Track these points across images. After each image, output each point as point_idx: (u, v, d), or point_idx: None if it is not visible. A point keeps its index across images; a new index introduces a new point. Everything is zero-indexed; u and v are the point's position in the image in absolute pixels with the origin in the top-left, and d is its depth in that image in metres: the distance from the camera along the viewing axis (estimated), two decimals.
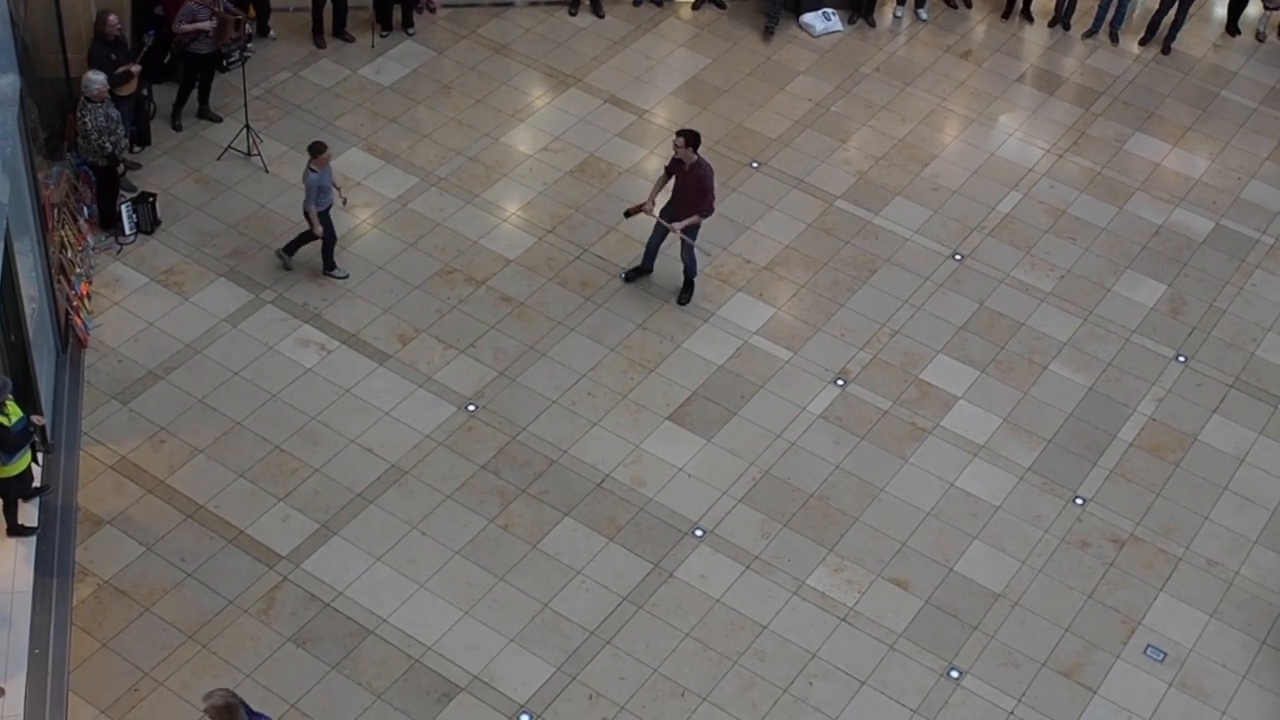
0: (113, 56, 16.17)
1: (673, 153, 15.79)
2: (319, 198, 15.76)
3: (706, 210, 16.00)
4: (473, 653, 13.24)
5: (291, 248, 16.27)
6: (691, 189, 15.83)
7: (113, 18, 16.20)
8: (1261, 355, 16.69)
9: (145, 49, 17.24)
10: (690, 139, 15.64)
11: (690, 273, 16.41)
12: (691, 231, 16.07)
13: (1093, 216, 18.18)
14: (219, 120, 18.01)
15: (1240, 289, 17.44)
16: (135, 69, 16.51)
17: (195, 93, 17.98)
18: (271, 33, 19.37)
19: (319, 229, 15.90)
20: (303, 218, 16.00)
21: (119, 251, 16.38)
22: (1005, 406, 15.82)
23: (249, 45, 18.66)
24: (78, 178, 16.41)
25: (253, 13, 18.92)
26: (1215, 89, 20.35)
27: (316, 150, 15.55)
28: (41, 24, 15.93)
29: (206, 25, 17.21)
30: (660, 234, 16.26)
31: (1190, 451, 15.61)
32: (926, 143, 18.99)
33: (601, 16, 20.46)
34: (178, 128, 17.87)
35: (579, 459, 14.87)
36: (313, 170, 15.57)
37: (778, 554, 14.28)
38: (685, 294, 16.50)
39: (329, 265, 16.34)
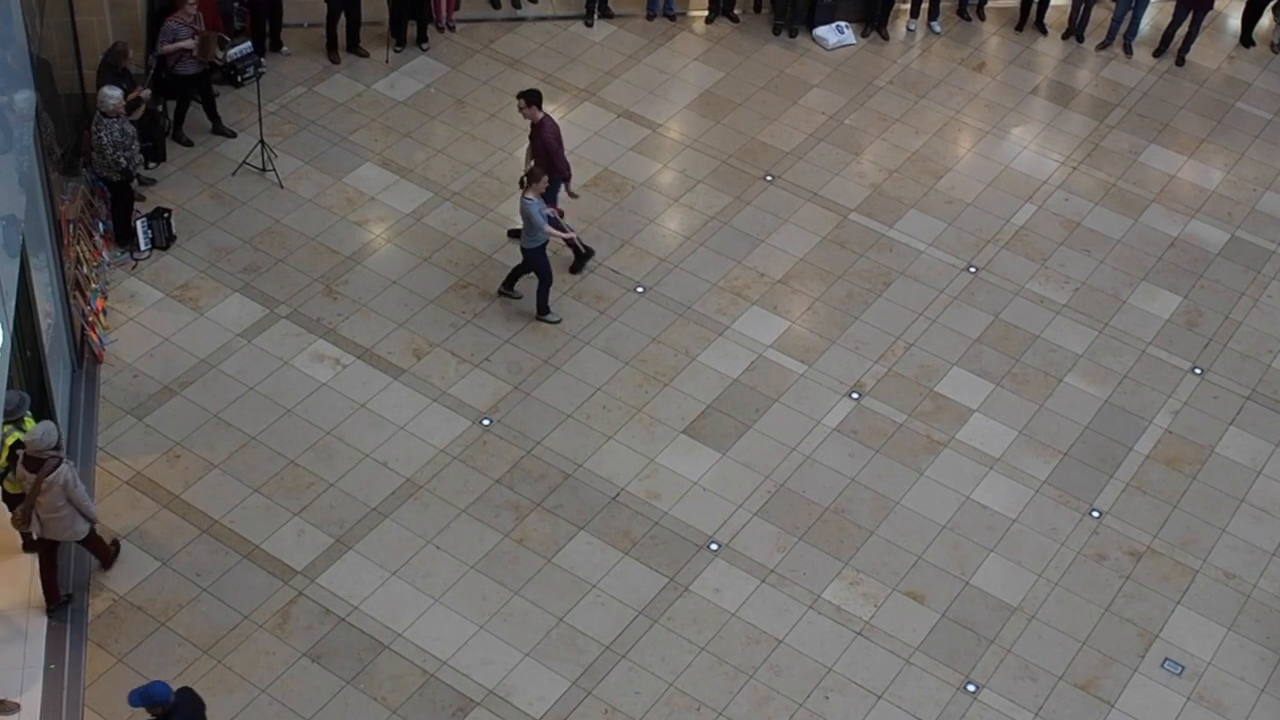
0: (123, 86, 16.17)
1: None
2: (537, 232, 15.66)
3: (559, 173, 16.27)
4: (488, 667, 13.23)
5: (537, 298, 16.30)
6: (539, 150, 16.11)
7: (130, 52, 16.22)
8: (1278, 367, 16.63)
9: (152, 71, 17.27)
10: (531, 98, 16.00)
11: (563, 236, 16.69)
12: (549, 194, 16.31)
13: (1107, 228, 18.15)
14: (233, 135, 18.05)
15: (1256, 301, 17.40)
16: (145, 94, 16.52)
17: (204, 113, 18.01)
18: (285, 48, 19.41)
19: (570, 233, 16.04)
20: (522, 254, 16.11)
21: (134, 267, 16.42)
22: (1021, 419, 15.78)
23: (262, 60, 18.72)
24: (93, 193, 16.46)
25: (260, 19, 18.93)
26: (1230, 100, 20.32)
27: (534, 177, 15.47)
28: (58, 40, 15.99)
29: (188, 43, 17.22)
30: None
31: (1207, 464, 15.56)
32: (940, 155, 18.98)
33: (610, 17, 20.50)
34: (188, 143, 17.89)
35: (593, 473, 14.86)
36: (528, 199, 15.48)
37: (793, 567, 14.25)
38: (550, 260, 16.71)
39: (543, 310, 16.26)
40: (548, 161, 16.07)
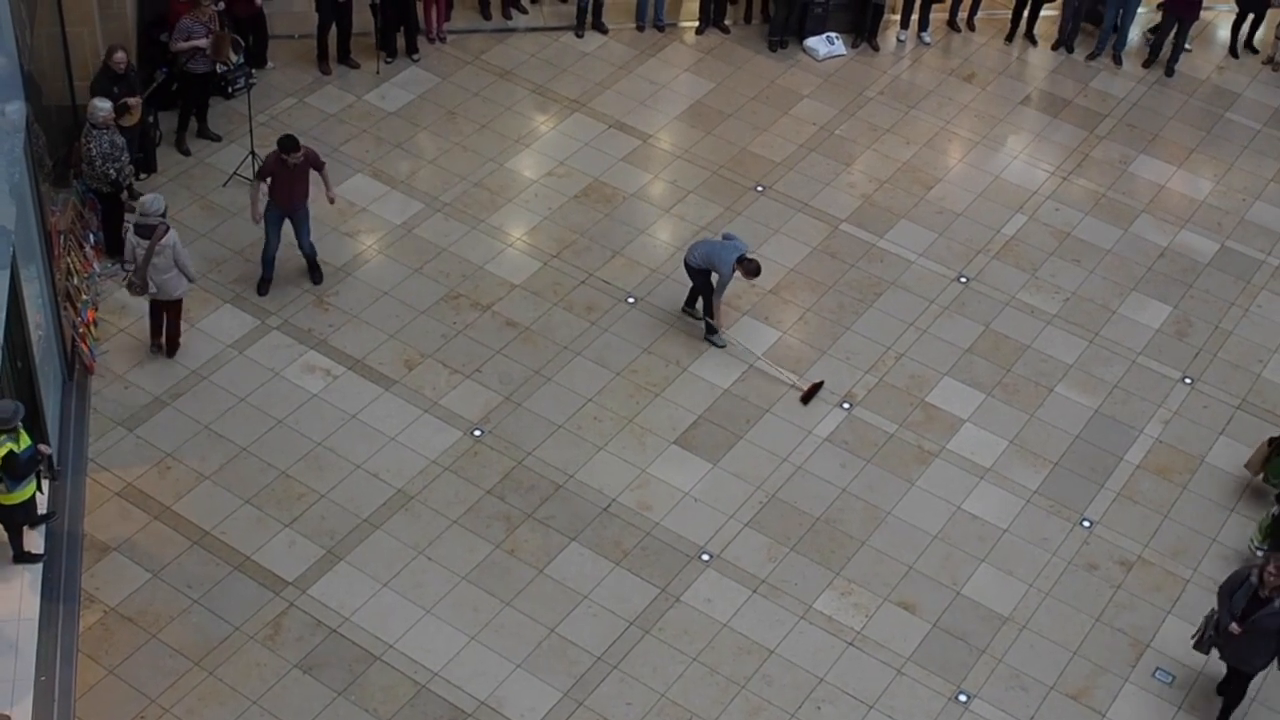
0: (115, 90, 16.17)
1: (290, 159, 15.65)
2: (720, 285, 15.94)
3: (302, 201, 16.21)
4: (479, 678, 13.22)
5: (710, 327, 16.39)
6: (304, 177, 15.85)
7: (120, 54, 16.23)
8: (1268, 377, 16.67)
9: (156, 84, 17.26)
10: (295, 144, 15.64)
11: (313, 254, 16.53)
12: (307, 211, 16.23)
13: (1097, 238, 18.19)
14: (218, 139, 18.07)
15: (1246, 310, 17.43)
16: (135, 101, 16.52)
17: (195, 114, 18.05)
18: (270, 63, 19.39)
19: (719, 320, 16.17)
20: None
21: (125, 278, 16.39)
22: (1011, 429, 15.80)
23: (253, 72, 18.72)
24: (83, 204, 16.43)
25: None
26: (1219, 111, 20.37)
27: (754, 271, 15.69)
28: (48, 51, 15.98)
29: (202, 42, 17.27)
30: (278, 239, 16.21)
31: (1197, 473, 15.58)
32: (931, 166, 19.01)
33: (605, 32, 20.54)
34: (185, 152, 17.92)
35: (585, 483, 14.86)
36: (735, 273, 15.69)
37: (784, 578, 14.25)
38: (316, 274, 16.59)
39: (693, 305, 16.51)
40: (308, 184, 15.95)
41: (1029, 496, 15.18)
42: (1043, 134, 19.73)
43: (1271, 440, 14.51)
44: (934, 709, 13.36)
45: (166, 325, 15.52)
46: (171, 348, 15.64)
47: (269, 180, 15.86)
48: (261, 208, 16.03)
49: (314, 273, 16.58)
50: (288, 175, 15.78)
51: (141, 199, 15.12)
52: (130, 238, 15.04)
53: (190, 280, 15.40)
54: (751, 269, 15.71)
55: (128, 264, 16.38)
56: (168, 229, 14.91)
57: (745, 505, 14.83)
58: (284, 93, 19.07)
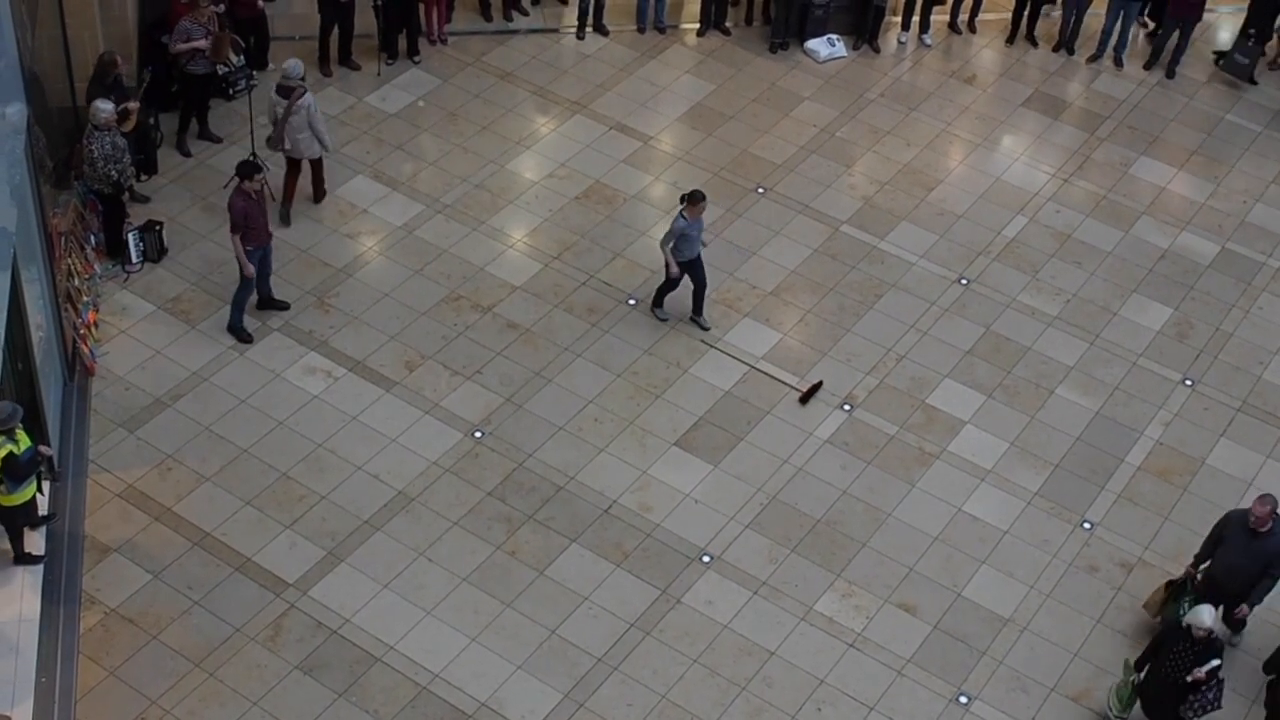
0: (111, 97, 16.14)
1: (254, 184, 15.26)
2: (681, 244, 15.83)
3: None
4: (480, 680, 13.22)
5: (659, 299, 16.49)
6: (266, 211, 15.70)
7: (120, 61, 16.24)
8: (1268, 379, 16.67)
9: (144, 85, 17.27)
10: (256, 166, 15.32)
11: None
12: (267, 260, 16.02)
13: (1098, 240, 18.19)
14: (219, 140, 18.08)
15: (1247, 312, 17.43)
16: (133, 105, 16.52)
17: (195, 116, 18.06)
18: (271, 65, 19.39)
19: (674, 270, 16.02)
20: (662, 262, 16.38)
21: (126, 280, 16.42)
22: (1012, 431, 15.80)
23: (254, 74, 18.73)
24: (85, 206, 16.44)
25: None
26: (1220, 113, 20.37)
27: (694, 199, 15.64)
28: (49, 53, 15.99)
29: (202, 44, 17.30)
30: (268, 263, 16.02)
31: (1198, 475, 15.58)
32: (931, 167, 19.02)
33: (606, 34, 20.55)
34: (186, 153, 17.93)
35: (586, 485, 14.86)
36: (683, 217, 15.67)
37: (785, 579, 14.25)
38: (285, 306, 16.31)
39: (698, 310, 16.47)
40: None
41: (1030, 498, 15.18)
42: (1043, 136, 19.73)
43: (1169, 584, 14.11)
44: (935, 711, 13.36)
45: (312, 179, 17.14)
46: (318, 194, 17.28)
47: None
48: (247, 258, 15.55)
49: (281, 304, 16.27)
50: (258, 208, 15.42)
51: (285, 63, 16.57)
52: (272, 95, 16.63)
53: (325, 147, 16.89)
54: (694, 198, 15.63)
55: (130, 267, 16.44)
56: (305, 91, 16.46)
57: (746, 507, 14.83)
58: None
